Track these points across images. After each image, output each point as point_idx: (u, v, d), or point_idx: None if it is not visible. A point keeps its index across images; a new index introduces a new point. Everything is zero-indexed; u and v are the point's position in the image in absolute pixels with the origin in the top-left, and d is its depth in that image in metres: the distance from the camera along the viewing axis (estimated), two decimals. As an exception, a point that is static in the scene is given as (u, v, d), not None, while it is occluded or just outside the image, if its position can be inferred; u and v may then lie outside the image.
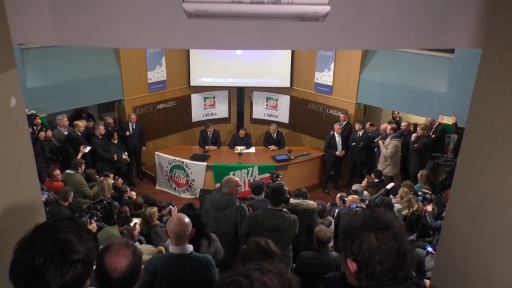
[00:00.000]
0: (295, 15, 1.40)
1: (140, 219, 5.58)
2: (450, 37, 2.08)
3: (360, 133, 8.30)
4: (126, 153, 8.14)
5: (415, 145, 7.45)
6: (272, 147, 8.98)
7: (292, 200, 4.64)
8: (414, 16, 1.98)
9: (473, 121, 1.94)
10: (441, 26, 2.05)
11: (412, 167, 7.66)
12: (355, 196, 5.83)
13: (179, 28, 1.66)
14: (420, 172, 6.97)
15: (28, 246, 1.26)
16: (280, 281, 1.22)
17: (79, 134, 7.39)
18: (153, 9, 1.68)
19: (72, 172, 6.46)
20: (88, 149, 7.22)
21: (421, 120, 8.03)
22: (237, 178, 4.52)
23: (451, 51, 7.39)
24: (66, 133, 7.50)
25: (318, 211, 5.27)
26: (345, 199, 5.89)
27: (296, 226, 3.94)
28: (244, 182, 8.17)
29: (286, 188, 4.07)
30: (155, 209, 5.56)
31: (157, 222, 5.44)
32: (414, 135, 7.53)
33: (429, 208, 5.30)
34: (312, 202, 4.76)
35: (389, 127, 7.86)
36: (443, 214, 5.10)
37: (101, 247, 1.81)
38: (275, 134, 9.09)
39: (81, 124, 7.53)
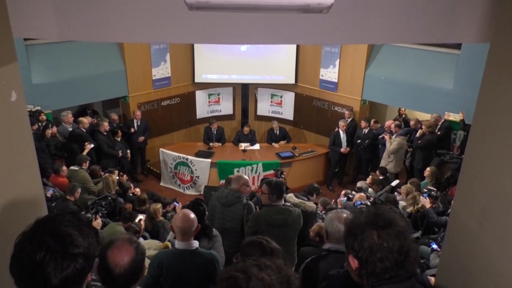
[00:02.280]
0: (299, 7, 1.37)
1: (144, 215, 5.60)
2: (458, 31, 2.04)
3: (366, 130, 8.25)
4: (128, 151, 8.14)
5: (419, 142, 7.41)
6: (276, 145, 8.94)
7: (293, 199, 4.61)
8: (420, 9, 1.94)
9: (480, 117, 1.91)
10: (448, 20, 2.01)
11: (416, 164, 7.61)
12: (362, 194, 5.81)
13: (180, 21, 1.64)
14: (428, 169, 6.90)
15: (28, 240, 1.25)
16: (278, 277, 1.22)
17: (84, 130, 7.41)
18: (155, 2, 1.66)
19: (76, 168, 6.49)
20: (92, 145, 7.24)
21: (427, 116, 7.97)
22: (247, 177, 4.47)
23: (458, 46, 7.31)
24: (70, 129, 7.53)
25: (329, 211, 5.24)
26: (350, 196, 5.87)
27: (300, 220, 3.92)
28: (249, 179, 8.15)
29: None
30: (159, 205, 5.59)
31: (162, 218, 5.47)
32: (419, 131, 7.48)
33: (428, 205, 5.21)
34: (311, 204, 4.68)
35: (393, 124, 7.81)
36: (448, 211, 5.07)
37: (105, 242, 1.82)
38: (278, 130, 9.07)
39: (86, 120, 7.56)
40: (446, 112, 7.55)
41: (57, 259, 1.22)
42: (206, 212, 3.61)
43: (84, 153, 7.01)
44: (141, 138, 8.49)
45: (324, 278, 2.06)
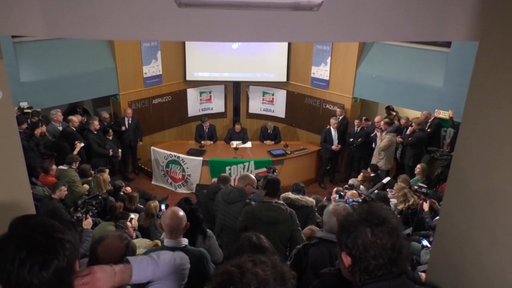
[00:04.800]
0: (289, 5, 1.37)
1: (136, 214, 5.57)
2: (447, 30, 2.05)
3: (358, 128, 8.30)
4: (120, 150, 8.09)
5: (409, 139, 7.47)
6: (268, 141, 8.96)
7: (290, 195, 4.61)
8: (410, 7, 1.95)
9: (469, 115, 1.92)
10: (438, 18, 2.02)
11: (406, 161, 7.68)
12: (354, 191, 5.83)
13: (169, 18, 1.62)
14: (418, 166, 6.96)
15: (9, 239, 1.20)
16: (273, 273, 1.22)
17: (74, 129, 7.34)
18: (144, -1, 1.64)
19: (65, 168, 6.42)
20: (83, 144, 7.17)
21: (417, 114, 8.04)
22: (254, 178, 4.44)
23: (448, 45, 7.38)
24: (60, 128, 7.45)
25: (319, 207, 5.27)
26: (342, 193, 5.89)
27: (293, 219, 3.89)
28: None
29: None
30: (156, 202, 5.58)
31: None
32: (409, 128, 7.55)
33: (426, 208, 5.24)
34: (311, 199, 4.74)
35: (382, 122, 7.86)
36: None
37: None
38: (272, 130, 9.08)
39: (76, 119, 7.49)
40: (436, 110, 7.62)
41: (42, 251, 1.19)
42: (199, 208, 3.60)
43: (75, 152, 6.95)
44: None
45: (317, 276, 2.07)
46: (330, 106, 9.00)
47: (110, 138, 7.97)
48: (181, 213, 2.80)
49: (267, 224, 3.70)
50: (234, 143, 8.72)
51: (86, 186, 6.42)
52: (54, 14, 1.80)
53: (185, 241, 2.80)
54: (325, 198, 6.67)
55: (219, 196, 4.32)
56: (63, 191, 5.54)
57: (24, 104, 7.00)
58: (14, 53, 6.99)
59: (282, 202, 4.06)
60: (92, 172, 6.70)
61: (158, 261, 1.59)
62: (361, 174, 7.20)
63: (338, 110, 8.64)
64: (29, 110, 7.06)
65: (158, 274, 1.59)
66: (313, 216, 4.64)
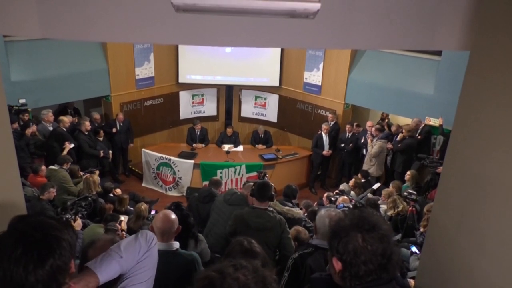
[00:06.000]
0: (285, 12, 1.39)
1: (126, 216, 5.51)
2: (439, 39, 2.10)
3: (349, 134, 8.36)
4: (110, 151, 8.04)
5: (399, 145, 7.55)
6: (260, 146, 8.98)
7: (277, 207, 4.60)
8: (403, 17, 1.99)
9: (460, 122, 1.95)
10: (430, 27, 2.07)
11: (396, 167, 7.75)
12: (345, 197, 5.86)
13: (167, 23, 1.63)
14: (408, 172, 7.03)
15: (7, 237, 1.21)
16: (254, 277, 1.23)
17: (64, 129, 7.27)
18: (141, 2, 1.64)
19: (56, 168, 6.35)
20: (72, 145, 7.10)
21: (408, 121, 8.13)
22: None
23: (439, 53, 7.48)
24: (51, 128, 7.37)
25: (310, 212, 5.28)
26: (332, 198, 5.92)
27: (282, 227, 3.86)
28: (232, 180, 8.15)
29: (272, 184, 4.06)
30: (145, 204, 5.54)
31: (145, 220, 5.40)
32: (400, 135, 7.63)
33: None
34: (297, 211, 4.73)
35: (373, 128, 7.93)
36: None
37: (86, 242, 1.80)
38: (263, 134, 9.11)
39: (67, 119, 7.42)
40: (426, 117, 7.70)
41: (40, 247, 1.20)
42: (190, 213, 3.60)
43: (64, 152, 6.87)
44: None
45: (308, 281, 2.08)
46: (322, 112, 9.05)
47: (101, 139, 7.92)
48: (173, 216, 2.79)
49: (254, 230, 3.69)
50: (226, 147, 8.72)
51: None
52: (50, 16, 1.80)
53: (176, 244, 2.79)
54: (315, 203, 6.69)
55: (221, 196, 4.36)
56: (51, 192, 5.46)
57: (22, 101, 6.90)
58: (5, 52, 6.92)
59: (271, 209, 4.04)
60: (81, 173, 6.63)
61: (121, 253, 1.55)
62: (353, 179, 7.24)
63: (329, 115, 8.70)
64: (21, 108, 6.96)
65: (126, 265, 1.56)
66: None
